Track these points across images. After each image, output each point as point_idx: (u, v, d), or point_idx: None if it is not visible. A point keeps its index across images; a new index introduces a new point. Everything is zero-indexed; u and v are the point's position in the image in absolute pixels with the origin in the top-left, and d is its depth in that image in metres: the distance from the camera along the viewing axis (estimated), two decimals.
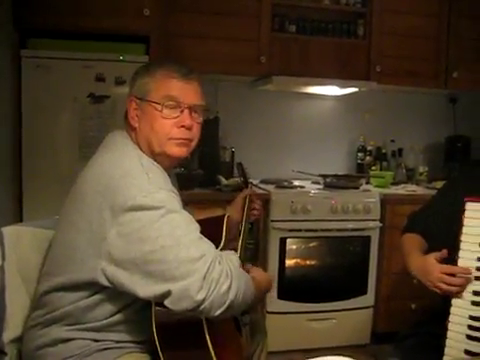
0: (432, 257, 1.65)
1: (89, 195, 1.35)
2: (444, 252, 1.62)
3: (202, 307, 1.23)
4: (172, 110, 1.44)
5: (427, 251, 1.77)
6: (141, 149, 1.46)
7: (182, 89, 1.45)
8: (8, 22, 2.70)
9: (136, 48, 2.91)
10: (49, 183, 2.77)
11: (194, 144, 1.53)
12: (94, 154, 1.48)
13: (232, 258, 1.36)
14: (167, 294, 1.24)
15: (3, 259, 1.53)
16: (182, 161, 1.61)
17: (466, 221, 1.58)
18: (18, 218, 2.76)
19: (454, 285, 1.56)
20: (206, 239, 1.32)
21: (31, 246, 1.61)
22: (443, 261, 1.62)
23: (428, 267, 1.65)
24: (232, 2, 3.21)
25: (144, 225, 1.26)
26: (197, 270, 1.23)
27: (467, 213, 1.58)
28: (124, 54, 2.84)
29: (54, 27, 2.79)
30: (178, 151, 1.47)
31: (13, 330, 1.50)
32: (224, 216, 1.58)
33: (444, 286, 1.58)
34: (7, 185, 2.72)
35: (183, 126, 1.45)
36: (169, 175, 1.49)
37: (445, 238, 1.70)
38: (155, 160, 1.45)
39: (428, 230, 1.88)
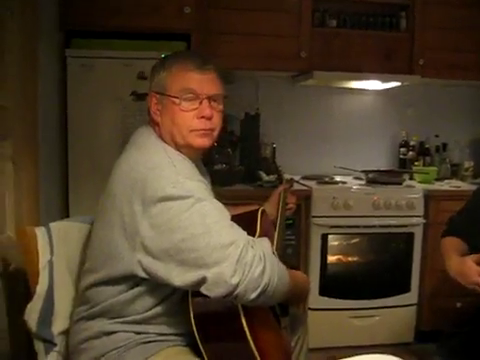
0: (470, 259, 1.62)
1: (119, 191, 1.38)
2: None
3: (237, 291, 1.24)
4: (191, 102, 1.45)
5: (467, 254, 1.74)
6: (166, 142, 1.48)
7: (199, 80, 1.46)
8: (54, 23, 2.78)
9: (177, 46, 2.93)
10: (94, 180, 2.83)
11: (216, 133, 1.53)
12: (123, 150, 1.51)
13: (264, 244, 1.36)
14: (202, 281, 1.25)
15: (52, 254, 1.58)
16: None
17: None
18: (64, 214, 2.83)
19: None
20: (237, 226, 1.33)
21: (78, 241, 1.66)
22: None
23: (466, 270, 1.62)
24: None
25: (174, 215, 1.28)
26: (230, 255, 1.24)
27: None
28: (165, 52, 2.85)
29: (97, 27, 2.85)
30: (201, 142, 1.49)
31: (62, 322, 1.55)
32: (258, 210, 1.58)
33: None
34: (54, 182, 2.79)
35: (203, 117, 1.46)
36: (197, 166, 1.51)
37: None
38: (181, 152, 1.47)
39: (467, 233, 1.85)
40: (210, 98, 1.48)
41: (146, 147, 1.45)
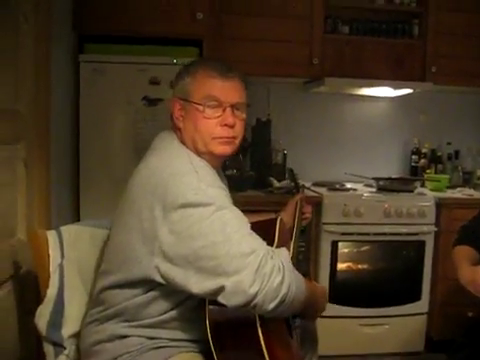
0: None
1: (140, 195, 1.37)
2: None
3: (255, 301, 1.23)
4: (214, 109, 1.46)
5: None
6: (188, 148, 1.48)
7: (223, 88, 1.46)
8: (68, 28, 2.80)
9: (189, 51, 2.94)
10: (104, 184, 2.85)
11: (238, 141, 1.53)
12: (144, 156, 1.50)
13: (284, 253, 1.35)
14: (221, 289, 1.24)
15: (62, 257, 1.59)
16: (230, 159, 1.62)
17: None
18: (76, 217, 2.85)
19: None
20: (256, 235, 1.32)
21: (88, 245, 1.67)
22: None
23: (477, 278, 1.60)
24: (284, 4, 3.21)
25: (195, 222, 1.28)
26: (249, 264, 1.23)
27: None
28: (177, 57, 2.88)
29: (110, 32, 2.87)
30: (223, 149, 1.49)
31: (71, 326, 1.55)
32: (276, 219, 1.57)
33: None
34: (65, 185, 2.81)
35: (226, 125, 1.46)
36: (218, 172, 1.50)
37: None
38: (202, 158, 1.47)
39: (479, 242, 1.83)
40: (233, 106, 1.48)
41: (168, 152, 1.45)
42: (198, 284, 1.27)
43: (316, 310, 1.56)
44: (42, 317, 1.53)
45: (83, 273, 1.63)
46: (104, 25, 2.87)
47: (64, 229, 1.64)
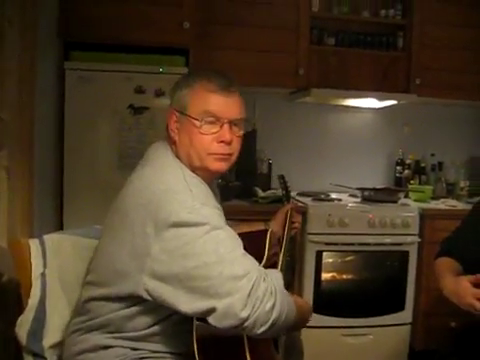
0: (465, 280, 1.61)
1: (132, 209, 1.35)
2: (478, 277, 1.58)
3: (246, 324, 1.21)
4: (211, 125, 1.41)
5: (462, 275, 1.73)
6: (181, 161, 1.44)
7: (222, 104, 1.41)
8: (53, 35, 2.79)
9: (176, 60, 2.94)
10: (89, 192, 2.82)
11: (234, 158, 1.49)
12: (136, 166, 1.47)
13: (277, 276, 1.34)
14: (211, 311, 1.23)
15: (45, 266, 1.57)
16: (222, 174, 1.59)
17: None
18: (59, 226, 2.82)
19: None
20: (250, 256, 1.31)
21: (71, 254, 1.64)
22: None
23: (460, 290, 1.61)
24: (270, 15, 3.23)
25: (188, 242, 1.25)
26: (242, 287, 1.21)
27: None
28: (164, 66, 2.88)
29: (96, 40, 2.86)
30: (218, 166, 1.45)
31: (53, 336, 1.52)
32: (267, 231, 1.56)
33: (478, 308, 1.54)
34: (49, 193, 2.79)
35: (223, 141, 1.42)
36: (211, 188, 1.47)
37: (478, 259, 1.66)
38: (196, 173, 1.43)
39: (462, 254, 1.84)
40: (231, 122, 1.43)
41: (161, 166, 1.42)
42: (188, 304, 1.25)
43: (302, 325, 1.56)
44: (23, 326, 1.51)
45: (66, 283, 1.61)
46: (90, 33, 2.85)
47: (47, 238, 1.62)
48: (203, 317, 1.26)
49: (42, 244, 1.60)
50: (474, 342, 1.63)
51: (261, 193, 3.17)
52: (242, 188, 3.23)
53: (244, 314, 1.20)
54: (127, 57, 2.90)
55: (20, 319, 1.52)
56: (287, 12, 3.25)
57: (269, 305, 1.23)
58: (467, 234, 1.90)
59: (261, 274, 1.26)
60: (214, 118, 1.41)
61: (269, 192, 3.19)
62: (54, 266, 1.59)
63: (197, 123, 1.40)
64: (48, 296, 1.55)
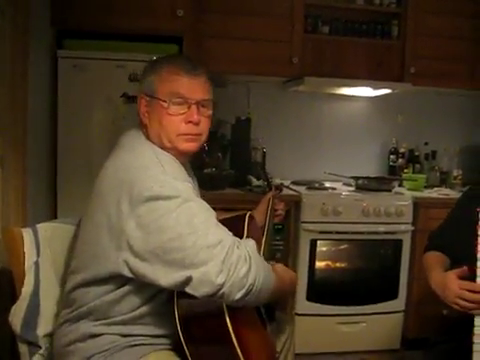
0: (452, 273, 1.62)
1: (107, 191, 1.38)
2: (465, 269, 1.59)
3: (222, 291, 1.25)
4: (179, 106, 1.46)
5: (450, 268, 1.74)
6: (154, 144, 1.48)
7: (187, 85, 1.46)
8: (46, 23, 2.76)
9: (169, 48, 2.93)
10: (82, 181, 2.81)
11: (204, 138, 1.54)
12: (111, 153, 1.50)
13: (250, 244, 1.36)
14: (188, 280, 1.26)
15: (38, 255, 1.57)
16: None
17: None
18: (53, 215, 2.82)
19: (473, 302, 1.53)
20: (223, 226, 1.34)
21: (65, 243, 1.65)
22: (466, 277, 1.59)
23: (447, 283, 1.62)
24: (265, 3, 3.21)
25: (162, 215, 1.28)
26: (216, 255, 1.25)
27: None
28: (157, 54, 2.83)
29: (89, 28, 2.84)
30: (188, 146, 1.49)
31: (47, 325, 1.54)
32: (245, 215, 1.59)
33: (462, 302, 1.55)
34: (42, 182, 2.78)
35: (191, 122, 1.46)
36: (185, 168, 1.51)
37: (466, 253, 1.67)
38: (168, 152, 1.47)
39: (448, 246, 1.85)
40: (199, 103, 1.48)
41: (133, 148, 1.46)
42: (166, 277, 1.28)
43: (286, 296, 1.58)
44: (17, 316, 1.51)
45: (59, 272, 1.62)
46: (83, 21, 2.83)
47: (40, 226, 1.62)
48: (181, 289, 1.28)
49: (35, 233, 1.60)
50: (465, 330, 1.64)
51: (255, 181, 3.17)
52: (236, 177, 3.22)
53: (220, 280, 1.24)
54: (121, 45, 2.89)
55: (14, 308, 1.53)
56: (281, 0, 3.23)
57: (244, 270, 1.26)
58: (453, 229, 1.91)
59: (234, 242, 1.31)
60: (181, 99, 1.46)
61: (262, 181, 3.19)
62: (47, 255, 1.59)
63: (165, 104, 1.45)
64: (42, 285, 1.56)
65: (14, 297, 1.55)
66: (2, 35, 1.95)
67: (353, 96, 3.69)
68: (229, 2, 3.17)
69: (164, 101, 1.45)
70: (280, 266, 1.56)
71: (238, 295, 1.26)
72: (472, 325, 1.55)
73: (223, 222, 1.38)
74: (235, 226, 1.48)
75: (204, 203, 1.38)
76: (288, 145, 3.67)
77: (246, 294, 1.27)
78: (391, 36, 3.48)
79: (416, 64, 3.40)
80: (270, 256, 1.72)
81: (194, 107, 1.47)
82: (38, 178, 2.64)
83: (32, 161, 2.36)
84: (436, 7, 3.42)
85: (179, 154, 1.49)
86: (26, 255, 1.55)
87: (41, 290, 1.56)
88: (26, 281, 1.54)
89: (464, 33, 3.46)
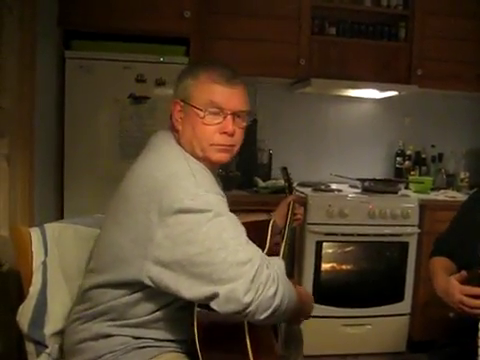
0: (454, 278, 1.62)
1: (135, 196, 1.35)
2: (463, 273, 1.59)
3: (248, 310, 1.22)
4: (215, 116, 1.41)
5: (455, 273, 1.74)
6: (185, 150, 1.44)
7: (225, 95, 1.42)
8: (54, 24, 2.78)
9: (176, 50, 2.94)
10: (89, 181, 2.83)
11: (236, 149, 1.50)
12: (139, 155, 1.47)
13: (279, 263, 1.35)
14: (214, 296, 1.23)
15: (46, 255, 1.57)
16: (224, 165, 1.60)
17: None
18: (59, 215, 2.82)
19: (475, 307, 1.52)
20: (253, 243, 1.31)
21: (72, 243, 1.65)
22: (470, 280, 1.58)
23: (450, 289, 1.61)
24: (272, 5, 3.22)
25: (192, 228, 1.26)
26: (245, 273, 1.22)
27: None
28: (164, 56, 2.88)
29: (96, 29, 2.85)
30: (220, 157, 1.45)
31: (54, 324, 1.53)
32: (269, 221, 1.57)
33: (466, 308, 1.54)
34: (49, 182, 2.78)
35: (225, 132, 1.42)
36: (214, 177, 1.47)
37: (472, 256, 1.67)
38: (199, 162, 1.43)
39: (454, 251, 1.84)
40: (235, 114, 1.44)
41: (165, 153, 1.42)
42: (191, 290, 1.25)
43: (302, 316, 1.57)
44: (24, 315, 1.51)
45: (66, 271, 1.61)
46: (91, 22, 2.84)
47: (48, 226, 1.62)
48: (206, 303, 1.26)
49: (43, 233, 1.60)
50: (471, 333, 1.63)
51: (261, 183, 3.17)
52: (243, 178, 3.23)
53: (247, 299, 1.21)
54: (128, 46, 2.90)
55: (21, 307, 1.53)
56: (288, 2, 3.24)
57: (271, 291, 1.24)
58: (459, 233, 1.90)
59: (264, 261, 1.27)
60: (218, 109, 1.41)
61: (269, 182, 3.19)
62: (55, 255, 1.59)
63: (201, 113, 1.40)
64: (49, 284, 1.56)
65: (22, 297, 1.56)
66: (10, 34, 1.96)
67: (360, 98, 3.68)
68: (236, 3, 3.18)
69: (200, 109, 1.41)
70: (300, 287, 1.55)
71: (263, 315, 1.24)
72: (477, 328, 1.55)
73: (246, 226, 1.35)
74: (259, 233, 1.47)
75: (235, 218, 1.34)
76: (294, 146, 3.67)
77: (271, 315, 1.25)
78: (398, 38, 3.48)
79: (423, 66, 3.40)
80: (289, 260, 1.71)
81: (230, 118, 1.42)
82: (45, 178, 2.65)
83: (39, 161, 2.37)
84: (443, 9, 3.42)
85: (210, 164, 1.45)
86: (34, 255, 1.55)
87: (48, 290, 1.55)
88: (34, 281, 1.54)
89: (471, 35, 3.45)
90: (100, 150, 2.88)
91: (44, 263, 1.56)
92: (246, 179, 3.23)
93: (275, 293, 1.25)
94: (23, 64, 2.06)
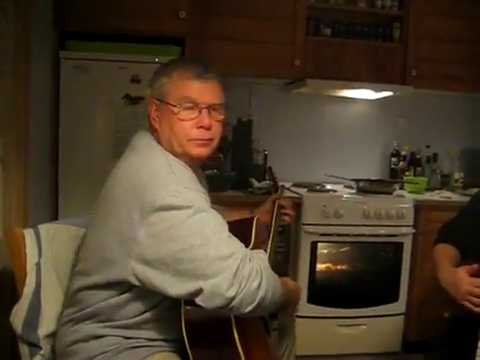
0: (463, 270, 1.61)
1: (119, 196, 1.36)
2: (475, 267, 1.58)
3: (233, 304, 1.23)
4: (190, 111, 1.43)
5: (460, 263, 1.73)
6: (165, 149, 1.46)
7: (199, 89, 1.44)
8: (48, 24, 2.77)
9: (171, 50, 2.93)
10: (84, 182, 2.82)
11: (215, 143, 1.52)
12: (123, 154, 1.49)
13: (262, 257, 1.36)
14: (198, 292, 1.24)
15: (40, 256, 1.57)
16: (208, 160, 1.61)
17: None
18: (54, 216, 2.82)
19: None
20: (235, 238, 1.33)
21: (66, 243, 1.65)
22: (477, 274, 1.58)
23: (458, 281, 1.61)
24: (267, 5, 3.22)
25: (173, 224, 1.27)
26: (228, 267, 1.24)
27: None
28: (159, 56, 2.87)
29: (91, 29, 2.84)
30: (199, 151, 1.47)
31: (48, 326, 1.53)
32: (253, 218, 1.57)
33: (474, 299, 1.54)
34: (44, 183, 2.77)
35: (202, 126, 1.44)
36: (196, 172, 1.49)
37: (478, 246, 1.67)
38: (179, 159, 1.45)
39: (460, 241, 1.84)
40: (210, 107, 1.45)
41: (146, 153, 1.44)
42: (176, 287, 1.27)
43: (290, 307, 1.58)
44: (18, 316, 1.51)
45: (61, 272, 1.61)
46: (86, 22, 2.83)
47: (42, 227, 1.62)
48: (191, 299, 1.27)
49: (37, 234, 1.60)
50: (466, 332, 1.64)
51: (256, 184, 3.17)
52: (237, 179, 3.23)
53: (231, 293, 1.23)
54: (123, 47, 2.89)
55: (15, 308, 1.53)
56: (283, 2, 3.24)
57: (255, 284, 1.26)
58: (466, 221, 1.89)
59: (247, 254, 1.29)
60: (192, 104, 1.43)
61: (264, 183, 3.19)
62: (49, 255, 1.59)
63: (175, 109, 1.42)
64: (43, 285, 1.56)
65: (15, 298, 1.55)
66: (4, 35, 1.95)
67: (355, 98, 3.69)
68: (231, 4, 3.18)
69: (174, 106, 1.42)
70: (286, 278, 1.56)
71: (248, 308, 1.26)
72: (473, 327, 1.55)
73: (230, 225, 1.37)
74: (243, 231, 1.47)
75: (216, 213, 1.35)
76: (289, 147, 3.67)
77: (256, 307, 1.26)
78: (393, 39, 3.49)
79: (417, 67, 3.41)
80: (275, 258, 1.72)
81: (205, 111, 1.44)
82: (40, 179, 2.64)
83: (34, 162, 2.36)
84: (438, 10, 3.43)
85: (190, 159, 1.47)
86: (28, 256, 1.55)
87: (42, 291, 1.55)
88: (28, 282, 1.54)
89: (466, 36, 3.46)
90: (95, 151, 2.87)
91: (38, 264, 1.56)
92: (241, 179, 3.23)
93: (259, 286, 1.26)
94: (17, 65, 2.06)
